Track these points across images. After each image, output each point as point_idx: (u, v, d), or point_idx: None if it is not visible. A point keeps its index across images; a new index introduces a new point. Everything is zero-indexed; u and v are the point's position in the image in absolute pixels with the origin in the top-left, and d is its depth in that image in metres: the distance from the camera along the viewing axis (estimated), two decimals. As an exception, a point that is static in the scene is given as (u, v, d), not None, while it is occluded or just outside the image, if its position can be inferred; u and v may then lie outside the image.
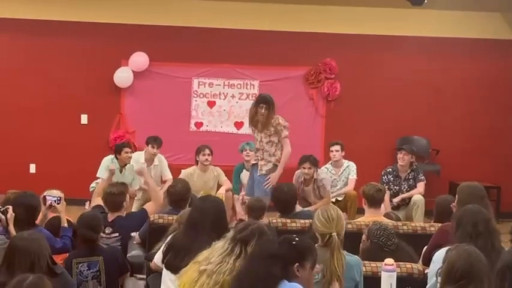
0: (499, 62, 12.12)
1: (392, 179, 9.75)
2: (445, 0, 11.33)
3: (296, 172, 9.29)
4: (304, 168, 9.11)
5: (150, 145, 9.90)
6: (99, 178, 9.62)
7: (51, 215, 6.54)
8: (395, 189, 9.71)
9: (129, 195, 7.63)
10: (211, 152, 9.74)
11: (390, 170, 9.83)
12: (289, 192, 7.27)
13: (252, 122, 8.72)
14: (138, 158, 9.97)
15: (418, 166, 9.99)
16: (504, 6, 11.81)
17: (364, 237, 5.79)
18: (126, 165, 9.64)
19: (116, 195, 6.87)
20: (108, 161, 9.59)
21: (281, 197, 7.25)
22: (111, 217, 6.78)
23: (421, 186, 9.70)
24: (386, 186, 9.37)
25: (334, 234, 4.59)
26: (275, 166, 8.59)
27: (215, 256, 4.27)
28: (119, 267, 5.78)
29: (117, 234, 6.59)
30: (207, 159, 9.66)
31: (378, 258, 5.19)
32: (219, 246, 4.33)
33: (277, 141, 8.61)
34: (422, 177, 9.78)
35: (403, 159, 9.72)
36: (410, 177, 9.76)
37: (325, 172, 9.78)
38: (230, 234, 4.36)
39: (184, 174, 9.53)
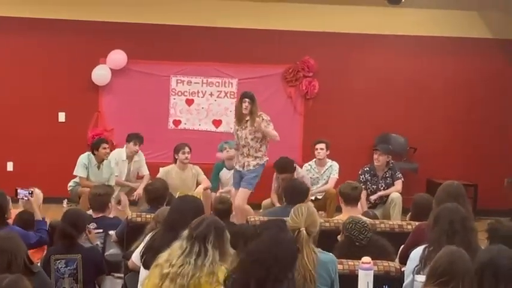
0: (477, 60, 12.19)
1: (369, 177, 9.78)
2: (422, -1, 11.40)
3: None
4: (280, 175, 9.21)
5: (132, 142, 9.96)
6: (76, 177, 9.62)
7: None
8: (372, 188, 9.75)
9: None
10: (190, 150, 9.73)
11: (367, 169, 9.86)
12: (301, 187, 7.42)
13: (239, 118, 8.87)
14: (120, 155, 10.01)
15: (394, 164, 10.03)
16: (481, 4, 11.89)
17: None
18: (103, 161, 9.65)
19: (101, 195, 6.98)
20: (85, 159, 9.60)
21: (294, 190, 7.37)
22: (95, 215, 6.85)
23: (398, 184, 9.74)
24: (364, 186, 9.39)
25: (303, 229, 4.60)
26: (261, 163, 8.83)
27: (175, 258, 4.22)
28: (96, 267, 5.76)
29: (101, 230, 6.59)
30: (186, 158, 9.67)
31: (349, 252, 5.25)
32: (177, 246, 4.27)
33: (262, 136, 8.80)
34: (399, 175, 9.82)
35: (378, 160, 9.76)
36: (387, 175, 9.80)
37: (305, 170, 9.80)
38: (186, 232, 4.29)
39: (162, 172, 9.53)
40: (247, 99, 8.79)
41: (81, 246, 5.71)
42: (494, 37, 12.22)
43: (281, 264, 3.89)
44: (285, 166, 9.18)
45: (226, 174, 9.97)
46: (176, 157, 9.71)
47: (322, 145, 10.03)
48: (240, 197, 8.82)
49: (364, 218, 6.52)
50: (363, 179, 9.72)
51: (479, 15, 12.16)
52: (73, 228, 5.67)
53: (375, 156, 9.81)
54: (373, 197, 9.66)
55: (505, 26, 12.18)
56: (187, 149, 9.69)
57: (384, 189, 9.73)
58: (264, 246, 3.95)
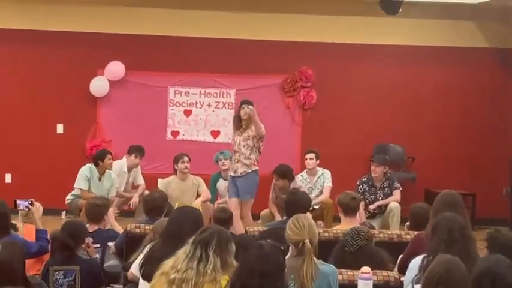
0: (474, 70, 12.22)
1: (367, 188, 9.79)
2: (419, 9, 11.42)
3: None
4: (276, 180, 9.25)
5: (133, 155, 9.97)
6: (75, 189, 9.59)
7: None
8: (370, 198, 9.75)
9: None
10: (189, 159, 9.74)
11: (365, 179, 9.87)
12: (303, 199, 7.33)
13: (237, 124, 8.97)
14: (121, 167, 10.01)
15: (392, 174, 10.04)
16: (477, 14, 11.92)
17: None
18: (104, 172, 9.64)
19: (99, 206, 6.95)
20: (86, 171, 9.58)
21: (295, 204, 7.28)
22: (91, 228, 6.79)
23: (397, 194, 9.74)
24: (362, 196, 9.40)
25: (307, 241, 4.59)
26: (252, 171, 8.86)
27: (180, 263, 4.25)
28: (95, 279, 5.74)
29: (98, 245, 6.56)
30: (186, 167, 9.64)
31: (339, 256, 5.24)
32: (183, 251, 4.30)
33: (253, 145, 8.86)
34: (398, 185, 9.83)
35: (375, 171, 9.78)
36: (385, 185, 9.80)
37: (300, 180, 9.82)
38: (191, 238, 4.32)
39: (162, 183, 9.53)
40: (246, 106, 8.89)
41: (79, 258, 5.71)
42: (492, 47, 12.25)
43: (270, 280, 3.92)
44: (285, 172, 9.23)
45: (223, 185, 9.96)
46: (176, 167, 9.70)
47: (312, 155, 10.07)
48: (244, 211, 8.96)
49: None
50: (360, 189, 9.72)
51: (475, 24, 12.19)
52: (72, 240, 5.67)
53: (372, 167, 9.83)
54: (371, 207, 9.66)
55: (502, 35, 12.21)
56: (186, 159, 9.68)
57: (382, 199, 9.73)
58: (250, 264, 3.99)
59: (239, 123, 8.97)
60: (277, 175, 9.24)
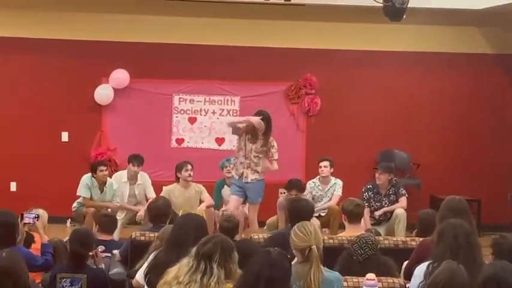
0: (478, 76, 12.22)
1: (372, 195, 9.76)
2: (422, 16, 11.42)
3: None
4: (291, 194, 9.26)
5: (131, 163, 9.93)
6: (80, 197, 9.63)
7: None
8: (376, 205, 9.72)
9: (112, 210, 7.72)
10: (192, 167, 9.72)
11: (370, 186, 9.84)
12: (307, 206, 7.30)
13: (254, 134, 8.98)
14: (120, 177, 10.00)
15: (397, 181, 10.02)
16: (480, 20, 11.93)
17: None
18: (105, 183, 9.65)
19: (110, 217, 6.98)
20: (87, 179, 9.61)
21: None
22: (104, 237, 6.82)
23: (403, 201, 9.71)
24: (367, 203, 9.38)
25: (314, 247, 4.58)
26: (259, 179, 9.02)
27: (182, 275, 4.23)
28: None
29: (109, 254, 6.57)
30: (190, 175, 9.61)
31: (346, 265, 5.23)
32: (185, 263, 4.28)
33: (262, 156, 8.98)
34: (403, 192, 9.81)
35: (379, 178, 9.74)
36: (391, 192, 9.77)
37: (309, 187, 9.82)
38: (194, 249, 4.31)
39: (165, 191, 9.52)
40: (264, 119, 8.96)
41: (88, 267, 5.70)
42: (494, 52, 12.25)
43: (276, 285, 3.94)
44: (300, 186, 9.40)
45: (227, 192, 9.96)
46: (179, 175, 9.67)
47: (326, 163, 10.03)
48: (251, 216, 9.15)
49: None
50: (366, 196, 9.70)
51: (478, 30, 12.20)
52: (82, 248, 5.68)
53: (376, 175, 9.79)
54: (377, 213, 9.65)
55: (504, 41, 12.21)
56: (189, 167, 9.64)
57: (387, 206, 9.71)
58: (256, 270, 3.99)
59: (256, 134, 8.98)
60: (296, 189, 9.30)
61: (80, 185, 9.61)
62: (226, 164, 10.04)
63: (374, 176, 10.01)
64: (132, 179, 9.97)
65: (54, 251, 6.17)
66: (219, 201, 10.09)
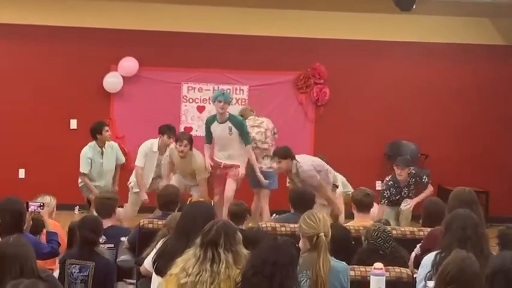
0: (489, 67, 12.18)
1: (394, 190, 9.48)
2: (433, 6, 11.39)
3: None
4: (279, 162, 8.73)
5: (166, 135, 9.45)
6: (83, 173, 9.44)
7: None
8: (395, 198, 9.45)
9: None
10: (189, 142, 9.26)
11: (391, 182, 9.40)
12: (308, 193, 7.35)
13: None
14: (151, 146, 9.57)
15: (416, 170, 9.63)
16: (493, 11, 11.87)
17: (362, 238, 5.81)
18: (104, 144, 9.49)
19: (108, 199, 6.91)
20: (88, 150, 9.41)
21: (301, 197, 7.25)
22: (104, 224, 6.77)
23: (429, 189, 9.38)
24: (387, 200, 9.24)
25: (322, 234, 4.56)
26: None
27: (191, 266, 4.26)
28: (105, 279, 5.68)
29: (112, 245, 6.53)
30: (182, 151, 9.18)
31: (373, 260, 5.19)
32: (191, 254, 4.32)
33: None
34: (426, 180, 9.43)
35: (400, 174, 9.37)
36: (411, 183, 9.47)
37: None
38: (199, 239, 4.33)
39: (170, 149, 9.37)
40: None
41: (97, 255, 5.67)
42: (506, 43, 12.20)
43: (282, 271, 4.00)
44: (286, 152, 8.72)
45: (216, 127, 9.40)
46: (170, 141, 9.42)
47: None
48: (264, 203, 9.45)
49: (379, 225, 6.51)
50: (387, 194, 9.39)
51: (491, 21, 12.14)
52: (94, 234, 5.68)
53: (397, 171, 9.33)
54: (408, 207, 9.27)
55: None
56: (185, 142, 9.19)
57: (406, 196, 9.43)
58: (262, 256, 4.08)
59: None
60: (278, 157, 8.66)
61: (81, 159, 9.38)
62: (220, 98, 9.26)
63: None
64: (162, 150, 9.59)
65: (73, 234, 6.15)
66: (210, 139, 9.55)
